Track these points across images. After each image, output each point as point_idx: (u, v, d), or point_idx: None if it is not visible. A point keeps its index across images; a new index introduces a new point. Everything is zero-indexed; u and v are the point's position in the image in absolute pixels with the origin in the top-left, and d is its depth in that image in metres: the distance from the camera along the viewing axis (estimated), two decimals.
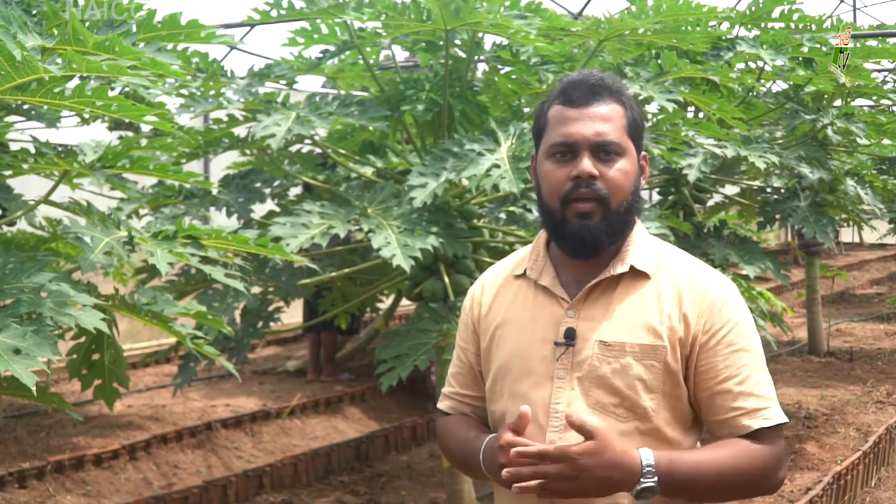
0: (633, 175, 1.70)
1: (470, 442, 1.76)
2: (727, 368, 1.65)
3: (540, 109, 1.78)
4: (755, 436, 1.65)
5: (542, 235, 1.81)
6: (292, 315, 7.41)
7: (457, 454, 1.82)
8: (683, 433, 1.70)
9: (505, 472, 1.57)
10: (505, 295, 1.80)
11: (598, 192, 1.65)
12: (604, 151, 1.66)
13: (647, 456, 1.57)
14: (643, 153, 1.76)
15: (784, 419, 1.68)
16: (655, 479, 1.56)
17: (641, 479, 1.56)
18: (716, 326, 1.67)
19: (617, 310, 1.68)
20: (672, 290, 1.69)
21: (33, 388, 1.87)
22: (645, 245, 1.74)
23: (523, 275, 1.79)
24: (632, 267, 1.70)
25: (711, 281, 1.71)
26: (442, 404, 1.91)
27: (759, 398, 1.66)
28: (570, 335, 1.68)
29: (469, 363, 1.85)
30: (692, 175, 4.66)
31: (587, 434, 1.55)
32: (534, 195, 2.71)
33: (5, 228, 3.77)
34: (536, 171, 1.76)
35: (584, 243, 1.67)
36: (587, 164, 1.65)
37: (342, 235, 3.78)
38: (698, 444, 1.76)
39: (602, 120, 1.67)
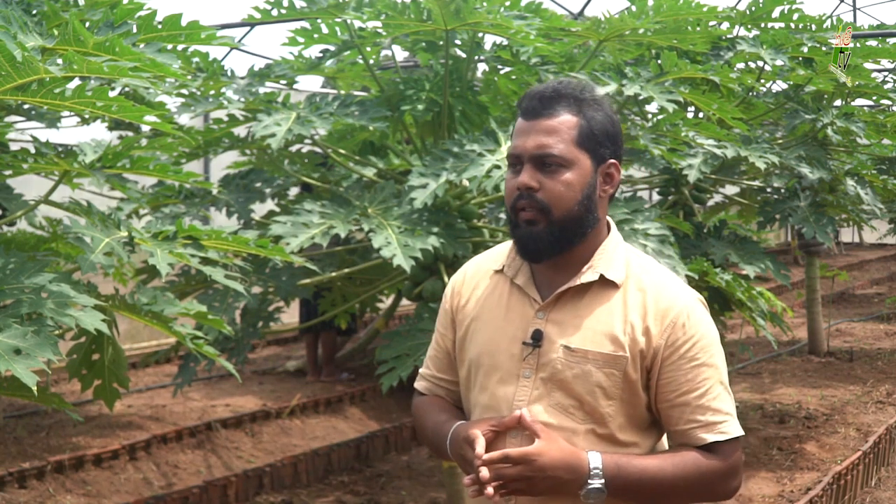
0: (581, 185, 1.72)
1: (440, 426, 1.83)
2: (688, 382, 1.71)
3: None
4: (711, 447, 1.71)
5: None
6: (292, 315, 7.42)
7: (428, 436, 1.89)
8: (639, 435, 1.76)
9: (466, 480, 1.67)
10: (483, 288, 1.86)
11: (537, 203, 1.71)
12: (545, 164, 1.71)
13: (594, 459, 1.65)
14: (610, 161, 1.77)
15: (740, 433, 1.73)
16: (602, 481, 1.63)
17: (588, 481, 1.63)
18: (679, 341, 1.71)
19: (583, 317, 1.74)
20: (638, 302, 1.73)
21: (34, 389, 1.88)
22: (617, 254, 1.78)
23: (502, 270, 1.84)
24: (601, 276, 1.75)
25: (677, 295, 1.75)
26: (418, 384, 1.98)
27: (717, 412, 1.71)
28: (538, 337, 1.74)
29: (446, 349, 1.92)
30: (692, 175, 4.66)
31: (534, 433, 1.65)
32: None
33: (5, 228, 3.77)
34: None
35: (528, 248, 1.74)
36: (525, 176, 1.72)
37: (343, 235, 3.78)
38: (665, 444, 1.82)
39: (546, 133, 1.72)
